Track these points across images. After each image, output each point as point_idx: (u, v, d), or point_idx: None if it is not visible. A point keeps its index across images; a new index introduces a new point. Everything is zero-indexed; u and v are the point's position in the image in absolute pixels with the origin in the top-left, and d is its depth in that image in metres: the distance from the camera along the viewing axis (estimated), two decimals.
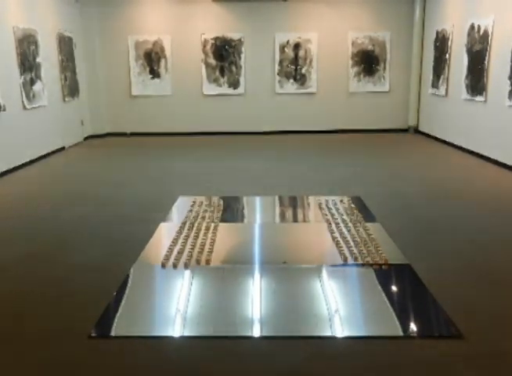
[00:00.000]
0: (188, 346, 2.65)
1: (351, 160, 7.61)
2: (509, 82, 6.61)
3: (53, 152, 8.46)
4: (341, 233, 4.26)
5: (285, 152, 8.46)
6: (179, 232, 4.34)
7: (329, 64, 10.13)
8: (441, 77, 8.96)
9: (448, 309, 2.95)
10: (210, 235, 4.27)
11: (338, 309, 3.02)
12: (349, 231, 4.32)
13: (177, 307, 3.07)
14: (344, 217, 4.70)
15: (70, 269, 3.65)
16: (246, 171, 6.97)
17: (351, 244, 4.01)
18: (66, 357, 2.54)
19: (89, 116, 10.14)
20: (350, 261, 3.66)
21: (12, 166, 7.06)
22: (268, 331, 2.79)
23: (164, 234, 4.43)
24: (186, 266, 3.60)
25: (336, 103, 10.34)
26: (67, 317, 2.94)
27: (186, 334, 2.78)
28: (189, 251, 3.85)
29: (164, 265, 3.64)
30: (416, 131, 10.32)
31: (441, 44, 8.97)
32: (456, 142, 8.49)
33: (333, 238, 4.16)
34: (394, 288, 3.22)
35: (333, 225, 4.49)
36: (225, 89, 10.22)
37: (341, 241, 4.07)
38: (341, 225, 4.51)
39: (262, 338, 2.72)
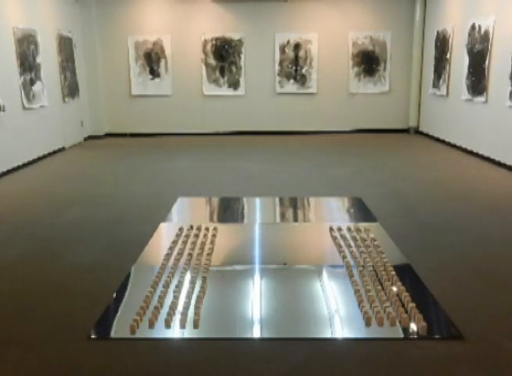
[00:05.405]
0: (188, 348, 2.64)
1: (352, 161, 7.61)
2: (510, 82, 6.60)
3: (53, 152, 8.46)
4: (341, 234, 4.24)
5: (285, 152, 8.45)
6: (179, 232, 4.34)
7: (329, 64, 10.12)
8: (442, 77, 8.95)
9: (449, 309, 2.94)
10: (210, 236, 4.26)
11: (338, 310, 3.02)
12: (349, 231, 4.31)
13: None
14: (345, 217, 4.69)
15: (69, 270, 3.64)
16: (246, 171, 6.96)
17: (351, 244, 4.00)
18: (65, 359, 2.53)
19: (89, 116, 10.14)
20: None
21: (12, 166, 7.05)
22: (268, 332, 2.78)
23: (164, 235, 4.42)
24: (186, 269, 3.59)
25: (336, 103, 10.33)
26: (66, 318, 2.93)
27: (186, 335, 2.78)
28: (189, 253, 3.85)
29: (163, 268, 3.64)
30: (417, 131, 10.30)
31: (442, 44, 8.96)
32: (456, 143, 8.48)
33: (333, 238, 4.15)
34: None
35: (333, 226, 4.48)
36: (225, 90, 10.22)
37: (341, 242, 4.06)
38: (341, 225, 4.50)
39: (262, 339, 2.72)
